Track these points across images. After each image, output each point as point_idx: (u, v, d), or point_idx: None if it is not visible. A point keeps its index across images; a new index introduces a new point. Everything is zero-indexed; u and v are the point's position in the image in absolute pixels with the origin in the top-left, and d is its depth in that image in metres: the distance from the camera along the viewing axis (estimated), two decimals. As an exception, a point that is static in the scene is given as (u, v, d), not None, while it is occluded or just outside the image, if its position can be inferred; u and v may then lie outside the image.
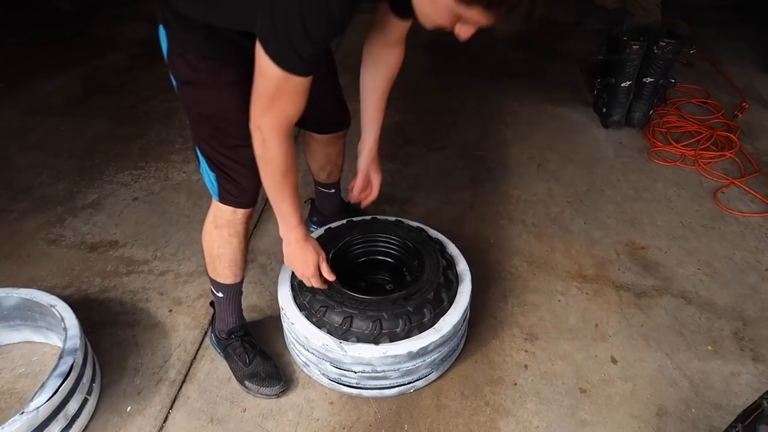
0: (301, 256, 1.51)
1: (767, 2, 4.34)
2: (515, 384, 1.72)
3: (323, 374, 1.64)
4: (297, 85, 1.19)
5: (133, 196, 2.47)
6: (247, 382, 1.68)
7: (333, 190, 2.05)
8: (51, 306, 1.65)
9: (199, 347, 1.82)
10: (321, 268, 1.54)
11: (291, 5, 1.07)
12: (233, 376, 1.72)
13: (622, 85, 2.84)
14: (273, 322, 1.90)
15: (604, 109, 2.97)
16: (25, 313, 1.74)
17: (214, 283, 1.68)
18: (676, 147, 2.80)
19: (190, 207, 2.41)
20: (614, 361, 1.80)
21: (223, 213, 1.54)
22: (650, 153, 2.78)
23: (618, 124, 2.94)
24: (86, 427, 1.58)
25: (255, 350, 1.72)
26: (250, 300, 1.98)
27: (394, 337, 1.53)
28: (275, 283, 2.02)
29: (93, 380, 1.61)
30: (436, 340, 1.54)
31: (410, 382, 1.64)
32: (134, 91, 3.25)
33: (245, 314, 1.82)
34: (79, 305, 1.92)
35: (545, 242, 2.25)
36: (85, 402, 1.56)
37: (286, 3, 1.08)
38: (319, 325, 1.56)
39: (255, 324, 1.89)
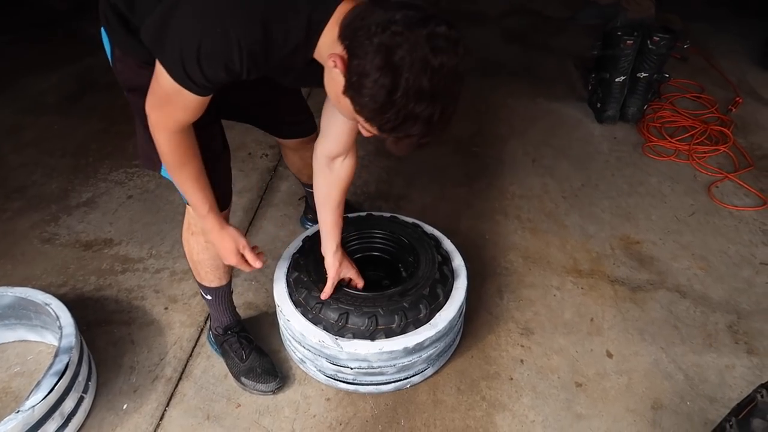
0: (219, 244, 1.45)
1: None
2: (511, 378, 1.73)
3: (319, 371, 1.64)
4: (190, 100, 1.15)
5: (127, 194, 2.46)
6: (243, 379, 1.68)
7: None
8: (46, 305, 1.65)
9: (195, 344, 1.82)
10: (245, 255, 1.46)
11: (191, 31, 1.05)
12: (229, 373, 1.72)
13: (617, 80, 2.85)
14: (269, 318, 1.90)
15: (599, 104, 2.97)
16: (20, 312, 1.74)
17: (201, 286, 1.67)
18: (670, 142, 2.81)
19: (184, 205, 2.39)
20: (609, 355, 1.81)
21: (195, 218, 1.50)
22: (644, 148, 2.79)
23: (612, 119, 2.94)
24: (82, 426, 1.58)
25: (251, 346, 1.72)
26: (245, 297, 1.98)
27: (390, 333, 1.53)
28: (271, 280, 2.02)
29: (89, 378, 1.61)
30: (431, 336, 1.54)
31: (406, 378, 1.64)
32: (128, 88, 3.24)
33: (241, 311, 1.83)
34: (74, 304, 1.91)
35: (540, 237, 2.26)
36: (81, 400, 1.56)
37: (186, 24, 1.05)
38: (315, 321, 1.56)
39: (251, 321, 1.89)
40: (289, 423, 1.60)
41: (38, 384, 1.42)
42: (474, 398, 1.68)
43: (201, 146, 1.30)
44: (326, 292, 1.57)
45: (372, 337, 1.52)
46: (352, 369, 1.57)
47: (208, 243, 1.54)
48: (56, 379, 1.44)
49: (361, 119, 1.05)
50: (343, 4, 1.07)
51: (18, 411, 1.36)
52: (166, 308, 1.94)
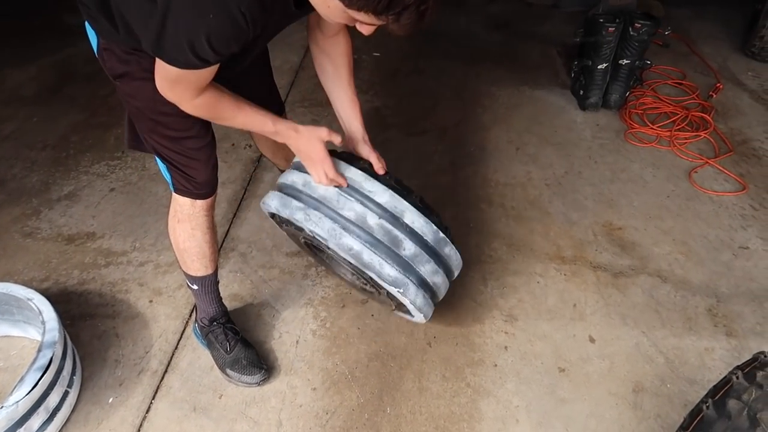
0: (306, 146, 1.41)
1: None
2: (495, 365, 1.75)
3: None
4: (199, 74, 1.17)
5: (110, 187, 2.44)
6: (228, 370, 1.68)
7: None
8: (28, 299, 1.64)
9: (181, 337, 1.82)
10: (327, 170, 1.40)
11: (194, 24, 1.06)
12: (215, 365, 1.73)
13: (599, 67, 2.86)
14: (254, 310, 1.91)
15: (582, 92, 2.99)
16: (2, 308, 1.72)
17: (187, 276, 1.67)
18: (652, 128, 2.83)
19: (168, 197, 2.33)
20: (592, 340, 1.83)
21: (183, 207, 1.52)
22: (627, 134, 2.81)
23: (595, 106, 2.96)
24: (68, 420, 1.58)
25: (237, 338, 1.73)
26: (231, 289, 1.97)
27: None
28: (256, 272, 2.03)
29: (73, 373, 1.61)
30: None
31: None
32: (108, 80, 3.13)
33: (227, 303, 1.82)
34: (57, 298, 1.91)
35: (524, 225, 2.28)
36: (65, 395, 1.55)
37: (187, 20, 1.06)
38: None
39: (236, 313, 1.89)
40: (276, 413, 1.61)
41: (22, 379, 1.42)
42: (459, 385, 1.69)
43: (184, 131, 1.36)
44: (380, 168, 1.50)
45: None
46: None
47: (194, 231, 1.55)
48: (40, 374, 1.43)
49: (354, 12, 1.06)
50: None
51: (2, 407, 1.36)
52: (150, 301, 1.94)
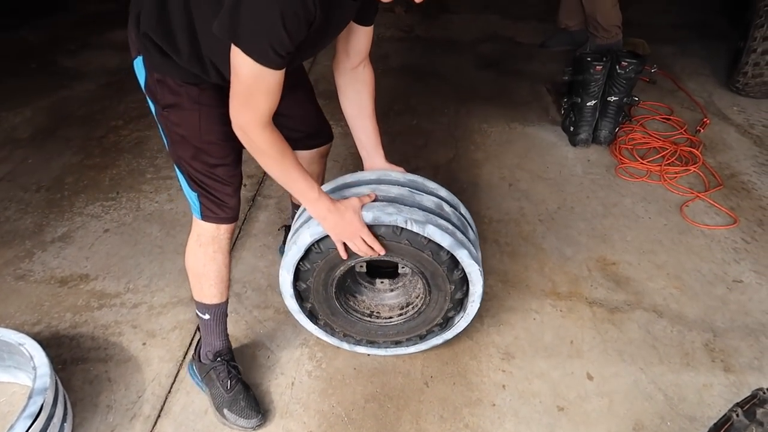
0: (342, 221, 1.46)
1: (722, 19, 4.51)
2: (494, 404, 1.73)
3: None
4: (271, 81, 1.24)
5: (104, 228, 2.44)
6: (225, 410, 1.65)
7: None
8: (19, 344, 1.61)
9: (174, 380, 1.80)
10: (365, 236, 1.47)
11: (267, 7, 1.12)
12: (211, 406, 1.69)
13: (588, 104, 2.91)
14: (249, 351, 1.89)
15: (572, 128, 3.03)
16: (-7, 353, 1.70)
17: (200, 305, 1.68)
18: (642, 163, 2.87)
19: (162, 237, 2.39)
20: (590, 377, 1.82)
21: (207, 230, 1.59)
22: (617, 169, 2.85)
23: (585, 142, 3.00)
24: (58, 469, 1.54)
25: (238, 377, 1.71)
26: (225, 330, 1.96)
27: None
28: (251, 312, 2.02)
29: (64, 419, 1.57)
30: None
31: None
32: (103, 121, 3.23)
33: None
34: (49, 342, 1.89)
35: (519, 261, 2.28)
36: (56, 442, 1.52)
37: (260, 5, 1.12)
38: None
39: (231, 354, 1.87)
40: (271, 458, 1.58)
41: (12, 427, 1.39)
42: (457, 425, 1.67)
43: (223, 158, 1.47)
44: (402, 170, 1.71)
45: None
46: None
47: (216, 254, 1.60)
48: (30, 422, 1.41)
49: None
50: None
51: (-10, 457, 1.33)
52: (144, 344, 1.91)
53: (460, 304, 1.72)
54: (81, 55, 4.07)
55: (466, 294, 1.68)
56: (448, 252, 1.54)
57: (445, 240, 1.50)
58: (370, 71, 1.65)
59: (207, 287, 1.64)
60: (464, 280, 1.63)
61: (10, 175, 2.77)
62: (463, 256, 1.55)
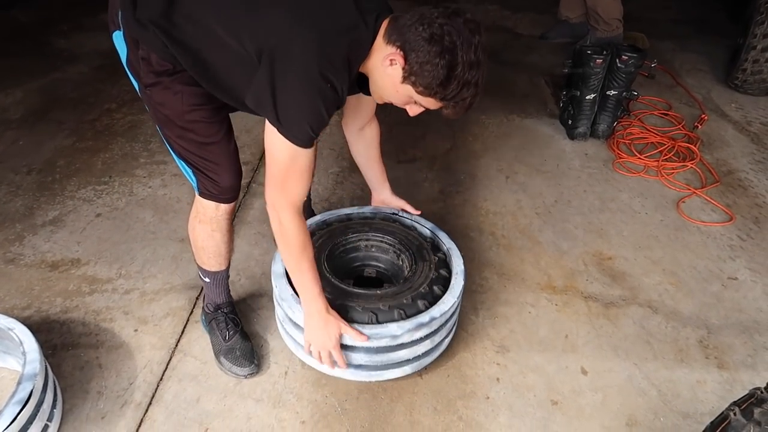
0: (323, 329, 1.51)
1: (721, 16, 4.50)
2: (487, 397, 1.72)
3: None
4: (305, 161, 1.35)
5: (96, 212, 2.41)
6: (222, 358, 1.75)
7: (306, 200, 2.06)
8: (9, 329, 1.59)
9: (166, 368, 1.78)
10: (345, 333, 1.53)
11: (306, 92, 1.26)
12: (212, 351, 1.78)
13: (587, 97, 2.90)
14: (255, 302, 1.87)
15: (570, 121, 3.02)
16: (-18, 337, 1.67)
17: (201, 269, 1.75)
18: (639, 158, 2.86)
19: (155, 223, 2.36)
20: (584, 372, 1.81)
21: (206, 209, 1.59)
22: (615, 164, 2.84)
23: (583, 135, 2.99)
24: (47, 455, 1.52)
25: (237, 329, 1.79)
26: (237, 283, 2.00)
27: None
28: (244, 300, 2.00)
29: (54, 406, 1.55)
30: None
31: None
32: (96, 104, 3.18)
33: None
34: (39, 327, 1.86)
35: (515, 254, 2.27)
36: (45, 429, 1.50)
37: (299, 89, 1.25)
38: None
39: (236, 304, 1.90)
40: (263, 448, 1.57)
41: (0, 413, 1.37)
42: (450, 418, 1.66)
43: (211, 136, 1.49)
44: (416, 211, 1.94)
45: None
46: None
47: (214, 232, 1.64)
48: (19, 408, 1.38)
49: (422, 98, 1.34)
50: (384, 22, 1.34)
51: (-22, 443, 1.31)
52: (135, 330, 1.89)
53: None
54: (74, 36, 4.01)
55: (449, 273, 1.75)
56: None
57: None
58: (375, 127, 1.83)
59: (206, 258, 1.71)
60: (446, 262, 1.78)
61: (0, 156, 2.73)
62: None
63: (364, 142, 1.84)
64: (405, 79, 1.32)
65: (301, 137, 1.30)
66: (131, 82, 1.50)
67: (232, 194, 1.58)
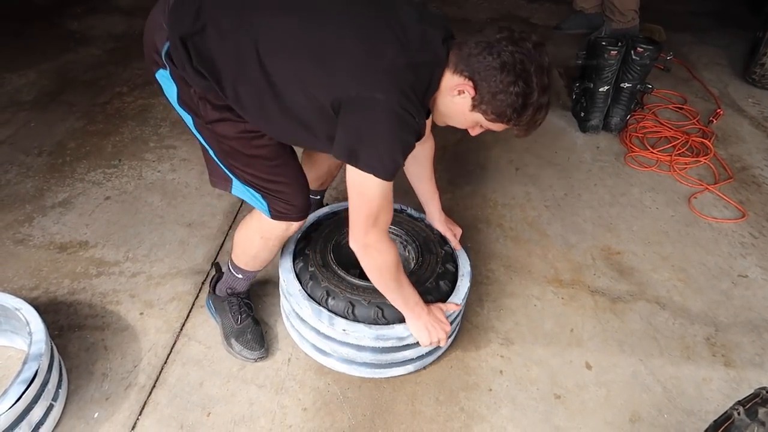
0: (435, 323, 1.55)
1: (742, 8, 4.41)
2: (490, 390, 1.72)
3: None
4: (390, 194, 1.35)
5: (105, 195, 2.42)
6: (232, 340, 1.75)
7: (318, 197, 2.10)
8: (16, 309, 1.60)
9: (171, 351, 1.79)
10: (447, 311, 1.60)
11: (393, 132, 1.26)
12: (221, 335, 1.79)
13: (601, 89, 2.86)
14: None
15: (582, 114, 2.98)
16: (-11, 316, 1.69)
17: (236, 267, 1.74)
18: (652, 152, 2.82)
19: (164, 207, 2.36)
20: (589, 366, 1.80)
21: (275, 229, 1.58)
22: (627, 158, 2.81)
23: (596, 128, 2.95)
24: (51, 435, 1.54)
25: (250, 313, 1.79)
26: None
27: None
28: (250, 286, 2.00)
29: (59, 386, 1.57)
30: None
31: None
32: (108, 87, 3.18)
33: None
34: (46, 307, 1.88)
35: (522, 246, 2.26)
36: (50, 408, 1.51)
37: (387, 130, 1.25)
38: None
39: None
40: (265, 433, 1.58)
41: (5, 392, 1.38)
42: (452, 409, 1.66)
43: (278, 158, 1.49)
44: (457, 245, 1.87)
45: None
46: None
47: (274, 247, 1.64)
48: (24, 387, 1.40)
49: (492, 123, 1.35)
50: (452, 52, 1.33)
51: (-17, 420, 1.32)
52: (141, 313, 1.90)
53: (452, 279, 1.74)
54: (87, 19, 4.01)
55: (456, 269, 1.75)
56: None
57: None
58: (430, 145, 1.80)
59: (252, 262, 1.70)
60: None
61: (12, 138, 2.74)
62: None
63: (416, 160, 1.78)
64: (474, 107, 1.32)
65: (385, 172, 1.29)
66: (181, 118, 1.47)
67: (305, 211, 1.57)
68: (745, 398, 1.16)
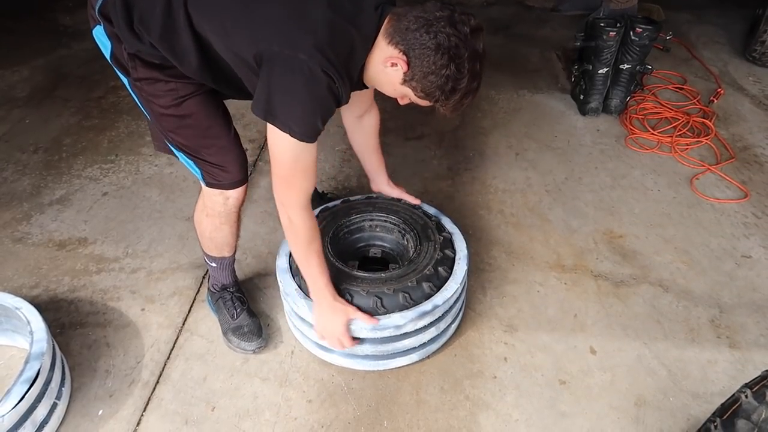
0: (331, 317, 1.54)
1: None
2: (495, 377, 1.71)
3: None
4: (308, 157, 1.34)
5: (102, 191, 2.40)
6: (230, 335, 1.75)
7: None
8: (16, 309, 1.59)
9: (173, 347, 1.78)
10: (355, 318, 1.54)
11: (307, 89, 1.23)
12: (220, 329, 1.79)
13: (600, 71, 2.83)
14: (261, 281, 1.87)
15: (582, 96, 2.96)
16: (-10, 316, 1.68)
17: (207, 255, 1.75)
18: (653, 134, 2.80)
19: (162, 201, 2.35)
20: (593, 351, 1.80)
21: (214, 204, 1.57)
22: (627, 140, 2.78)
23: (595, 111, 2.93)
24: (56, 433, 1.53)
25: (243, 307, 1.80)
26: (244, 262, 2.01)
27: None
28: (251, 279, 2.00)
29: (62, 384, 1.56)
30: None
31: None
32: (102, 81, 3.16)
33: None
34: (47, 305, 1.87)
35: (524, 232, 2.24)
36: (54, 407, 1.51)
37: (301, 88, 1.22)
38: None
39: (244, 283, 1.93)
40: (270, 427, 1.57)
41: (8, 392, 1.38)
42: (457, 398, 1.66)
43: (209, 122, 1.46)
44: (416, 200, 1.91)
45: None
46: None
47: (222, 225, 1.63)
48: (27, 387, 1.39)
49: (419, 100, 1.35)
50: (387, 19, 1.31)
51: (-14, 421, 1.32)
52: (142, 309, 1.90)
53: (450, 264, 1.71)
54: (79, 13, 3.96)
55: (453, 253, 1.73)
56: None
57: None
58: (375, 115, 1.82)
59: (213, 246, 1.70)
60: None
61: (7, 135, 2.72)
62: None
63: (362, 131, 1.83)
64: (405, 82, 1.32)
65: (301, 133, 1.28)
66: (118, 77, 1.46)
67: (240, 177, 1.54)
68: (752, 381, 1.15)
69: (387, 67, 1.32)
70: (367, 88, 1.46)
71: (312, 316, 1.57)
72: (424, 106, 1.40)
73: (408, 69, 1.28)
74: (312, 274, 1.51)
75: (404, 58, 1.28)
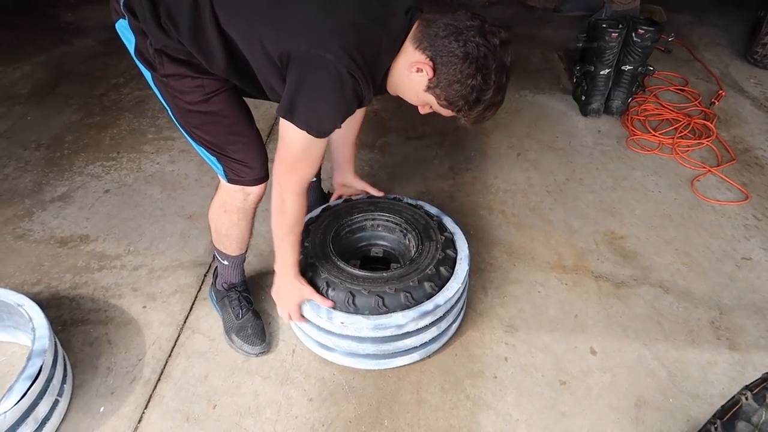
0: (286, 291, 1.59)
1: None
2: (495, 377, 1.72)
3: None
4: (318, 151, 1.35)
5: (104, 189, 2.40)
6: (233, 335, 1.75)
7: (315, 179, 2.08)
8: (18, 305, 1.60)
9: (175, 344, 1.78)
10: (311, 299, 1.58)
11: (338, 96, 1.23)
12: (223, 328, 1.79)
13: (601, 72, 2.83)
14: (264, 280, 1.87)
15: (583, 97, 2.96)
16: (-8, 313, 1.68)
17: (219, 252, 1.73)
18: (654, 135, 2.80)
19: (164, 199, 2.35)
20: (593, 352, 1.80)
21: (234, 200, 1.57)
22: (628, 141, 2.79)
23: (597, 112, 2.93)
24: (57, 430, 1.53)
25: (249, 307, 1.80)
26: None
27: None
28: (252, 277, 1.99)
29: (64, 381, 1.57)
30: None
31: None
32: (104, 78, 3.16)
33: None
34: (49, 303, 1.87)
35: (525, 232, 2.25)
36: (55, 404, 1.51)
37: (333, 93, 1.23)
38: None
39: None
40: (271, 425, 1.57)
41: (10, 389, 1.38)
42: (458, 397, 1.66)
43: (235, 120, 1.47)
44: (379, 192, 1.91)
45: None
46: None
47: (240, 221, 1.62)
48: (29, 384, 1.40)
49: (442, 108, 1.34)
50: (416, 24, 1.30)
51: (-11, 417, 1.32)
52: (144, 307, 1.90)
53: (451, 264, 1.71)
54: (81, 9, 3.97)
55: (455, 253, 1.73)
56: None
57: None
58: (363, 110, 1.77)
59: (228, 243, 1.69)
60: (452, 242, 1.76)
61: (8, 132, 2.72)
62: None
63: (346, 123, 1.79)
64: (429, 89, 1.30)
65: (319, 131, 1.28)
66: (141, 72, 1.44)
67: (263, 174, 1.53)
68: (752, 383, 1.15)
69: (412, 73, 1.30)
70: (387, 93, 1.45)
71: (274, 287, 1.64)
72: (444, 116, 1.39)
73: (433, 75, 1.27)
74: (284, 252, 1.53)
75: (430, 64, 1.26)
